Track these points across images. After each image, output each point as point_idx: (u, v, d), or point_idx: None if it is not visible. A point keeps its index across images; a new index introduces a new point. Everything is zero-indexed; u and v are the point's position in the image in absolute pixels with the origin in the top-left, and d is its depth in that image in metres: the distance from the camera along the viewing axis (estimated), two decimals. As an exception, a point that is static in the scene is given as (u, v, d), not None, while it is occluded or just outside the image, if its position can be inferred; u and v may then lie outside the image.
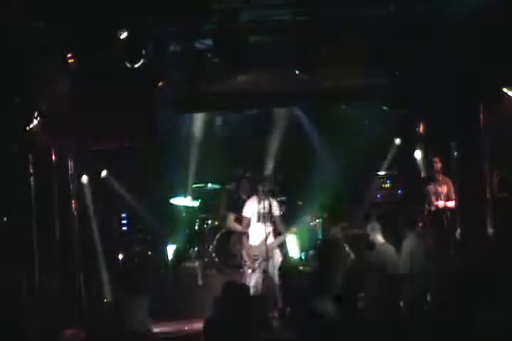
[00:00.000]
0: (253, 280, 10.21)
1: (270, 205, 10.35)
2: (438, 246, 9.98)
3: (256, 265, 10.28)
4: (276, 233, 10.55)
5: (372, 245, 9.72)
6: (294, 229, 10.84)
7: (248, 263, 10.34)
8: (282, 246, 11.11)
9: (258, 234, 10.40)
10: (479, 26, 8.94)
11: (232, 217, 11.15)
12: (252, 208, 10.47)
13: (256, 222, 10.45)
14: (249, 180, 11.60)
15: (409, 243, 9.74)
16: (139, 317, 8.20)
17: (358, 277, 9.50)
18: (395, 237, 10.02)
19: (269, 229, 10.34)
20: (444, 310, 6.31)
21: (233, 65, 9.20)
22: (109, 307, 9.97)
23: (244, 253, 10.47)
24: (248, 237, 10.48)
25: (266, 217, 10.35)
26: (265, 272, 10.28)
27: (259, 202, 10.40)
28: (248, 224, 10.48)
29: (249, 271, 10.30)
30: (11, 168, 8.93)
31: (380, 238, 9.68)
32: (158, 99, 10.14)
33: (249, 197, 10.78)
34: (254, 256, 10.30)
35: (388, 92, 10.27)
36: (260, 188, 10.43)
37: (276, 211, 10.52)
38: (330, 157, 12.76)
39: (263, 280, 10.31)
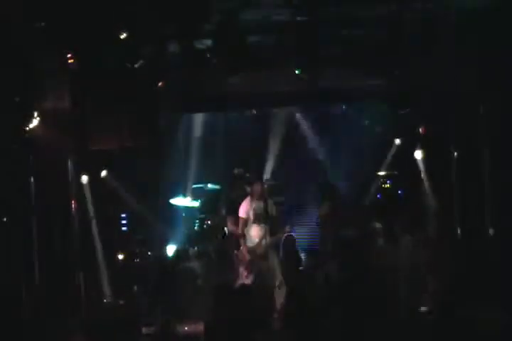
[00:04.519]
0: (250, 281, 10.19)
1: (267, 206, 10.32)
2: (437, 246, 9.98)
3: (252, 266, 10.27)
4: (273, 233, 10.51)
5: (373, 246, 9.74)
6: (287, 228, 10.81)
7: (245, 264, 10.32)
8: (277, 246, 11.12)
9: (255, 235, 10.37)
10: (479, 26, 8.96)
11: (231, 220, 11.12)
12: (247, 209, 10.44)
13: (252, 222, 10.41)
14: (248, 180, 11.56)
15: (408, 243, 9.74)
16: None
17: (360, 277, 9.51)
18: (395, 237, 10.02)
19: (266, 230, 10.30)
20: (443, 310, 6.32)
21: (233, 65, 9.21)
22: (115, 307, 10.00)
23: (240, 255, 10.46)
24: (245, 238, 10.46)
25: (262, 217, 10.31)
26: (262, 273, 10.26)
27: (255, 202, 10.37)
28: (244, 225, 10.44)
29: (246, 272, 10.28)
30: (11, 168, 8.92)
31: (380, 239, 9.68)
32: (158, 99, 10.14)
33: (245, 197, 10.74)
34: (251, 257, 10.28)
35: (388, 92, 10.29)
36: (257, 188, 10.42)
37: (273, 211, 10.49)
38: (330, 157, 12.76)
39: (261, 281, 10.30)
